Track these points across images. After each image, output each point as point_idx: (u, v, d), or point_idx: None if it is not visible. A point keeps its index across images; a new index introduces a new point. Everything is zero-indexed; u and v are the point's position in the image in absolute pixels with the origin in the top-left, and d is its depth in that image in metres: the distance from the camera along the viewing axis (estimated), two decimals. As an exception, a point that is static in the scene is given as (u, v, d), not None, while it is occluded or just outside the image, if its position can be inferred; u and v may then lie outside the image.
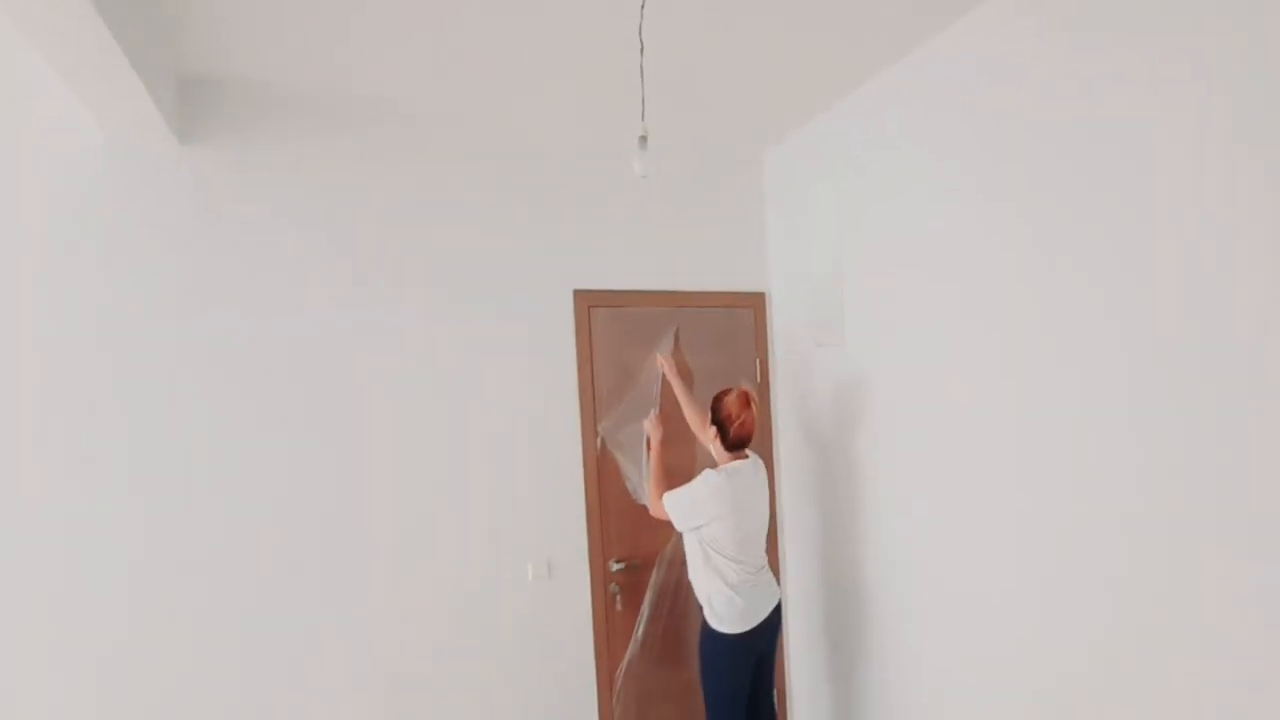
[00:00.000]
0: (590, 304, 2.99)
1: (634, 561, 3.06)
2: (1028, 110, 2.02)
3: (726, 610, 2.57)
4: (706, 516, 2.53)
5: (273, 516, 2.55)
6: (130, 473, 2.39)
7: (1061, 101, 1.91)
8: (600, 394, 3.03)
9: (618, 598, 3.07)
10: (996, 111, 2.12)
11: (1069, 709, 1.98)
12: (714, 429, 2.62)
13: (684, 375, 3.09)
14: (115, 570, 2.38)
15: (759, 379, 3.33)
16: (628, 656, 3.06)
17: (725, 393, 2.65)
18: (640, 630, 3.06)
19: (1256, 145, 1.52)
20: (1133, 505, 1.79)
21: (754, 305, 3.31)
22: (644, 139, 1.90)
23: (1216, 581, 1.63)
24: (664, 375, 3.01)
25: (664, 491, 2.65)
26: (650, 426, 2.87)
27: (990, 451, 2.20)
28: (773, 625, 2.67)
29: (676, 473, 2.77)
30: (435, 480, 2.77)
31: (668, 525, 2.67)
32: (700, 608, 2.64)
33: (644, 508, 2.89)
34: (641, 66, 1.83)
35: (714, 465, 2.67)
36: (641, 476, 2.98)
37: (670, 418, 2.94)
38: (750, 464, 2.65)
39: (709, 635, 2.61)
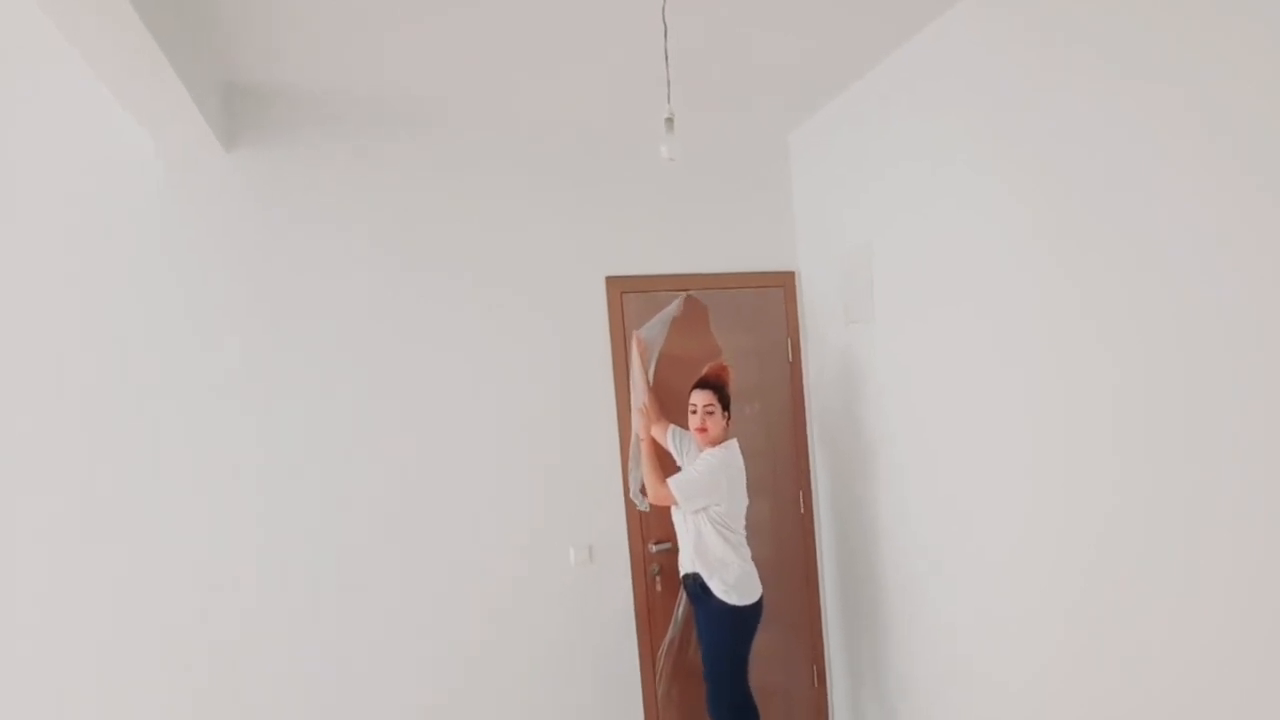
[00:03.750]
0: (622, 290, 3.04)
1: (673, 543, 3.10)
2: (1047, 83, 2.00)
3: (741, 581, 2.61)
4: (722, 492, 2.57)
5: (325, 507, 2.65)
6: (185, 469, 2.50)
7: (1081, 74, 1.90)
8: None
9: (658, 579, 3.12)
10: (1013, 85, 2.11)
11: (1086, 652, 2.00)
12: (727, 414, 2.65)
13: (712, 352, 3.12)
14: (178, 559, 2.50)
15: (790, 357, 3.35)
16: (669, 636, 3.11)
17: (722, 369, 2.71)
18: (680, 610, 3.10)
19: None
20: (1143, 483, 1.79)
21: (784, 284, 3.33)
22: (670, 121, 1.90)
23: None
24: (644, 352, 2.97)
25: (663, 478, 2.64)
26: (643, 428, 2.84)
27: (1012, 423, 2.20)
28: (764, 599, 2.71)
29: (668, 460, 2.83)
30: (477, 469, 2.84)
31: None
32: (704, 591, 2.64)
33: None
34: (666, 49, 1.86)
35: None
36: (633, 468, 3.00)
37: (659, 403, 2.96)
38: (736, 443, 2.70)
39: (722, 612, 2.61)
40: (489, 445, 2.86)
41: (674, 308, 3.07)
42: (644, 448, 2.78)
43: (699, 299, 3.19)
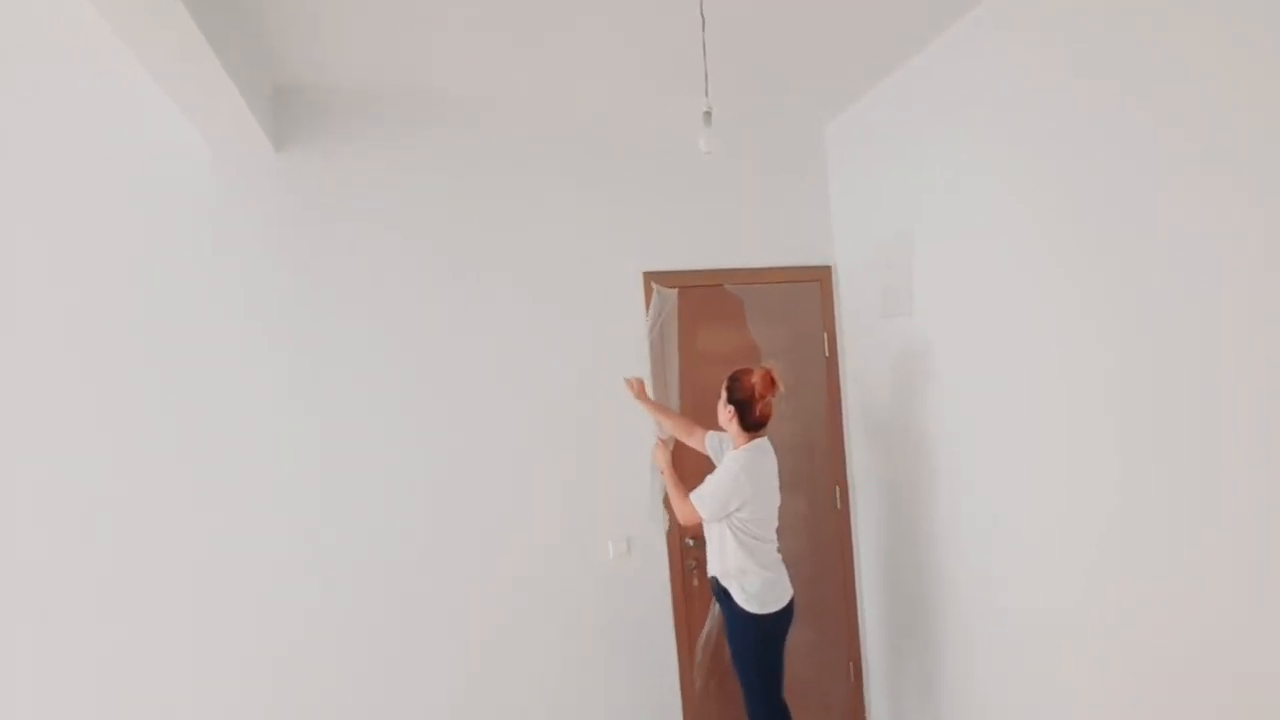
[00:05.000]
0: (660, 285, 3.05)
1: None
2: (1086, 71, 1.98)
3: (763, 591, 2.54)
4: (741, 497, 2.48)
5: (368, 499, 2.71)
6: (234, 461, 2.57)
7: (1119, 58, 1.87)
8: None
9: (694, 573, 3.12)
10: (1059, 72, 2.08)
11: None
12: (731, 409, 2.54)
13: (751, 352, 3.12)
14: (228, 546, 2.57)
15: (827, 352, 3.33)
16: (706, 630, 3.11)
17: (746, 372, 2.55)
18: (716, 605, 3.11)
19: None
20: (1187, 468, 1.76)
21: (820, 279, 3.32)
22: (708, 114, 1.90)
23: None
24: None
25: (685, 495, 2.58)
26: (663, 459, 2.80)
27: (1054, 415, 2.17)
28: (794, 602, 2.64)
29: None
30: (517, 463, 2.88)
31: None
32: (725, 595, 2.59)
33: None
34: (704, 41, 1.87)
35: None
36: (655, 496, 3.00)
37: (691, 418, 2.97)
38: (767, 442, 2.60)
39: (744, 619, 2.55)
40: (528, 439, 2.90)
41: (659, 304, 3.00)
42: (665, 476, 2.73)
43: (735, 293, 3.19)
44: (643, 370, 3.02)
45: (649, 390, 3.00)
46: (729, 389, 2.58)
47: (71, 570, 2.42)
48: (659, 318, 3.01)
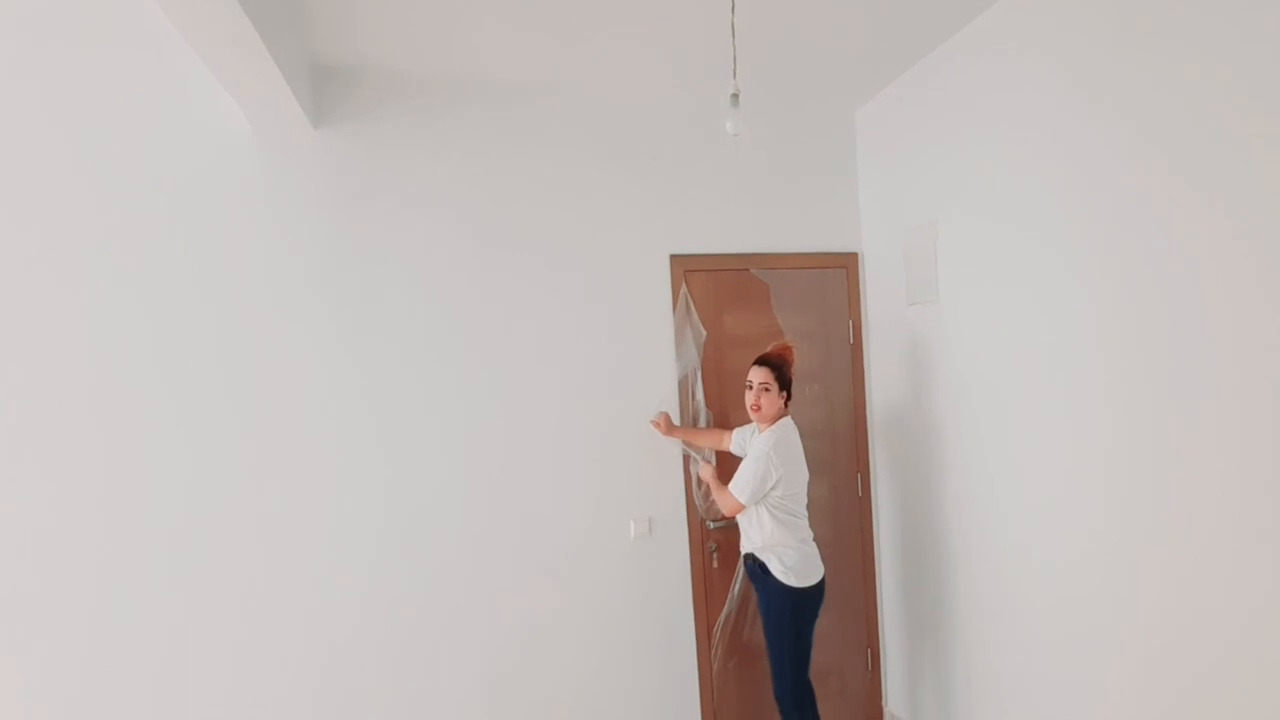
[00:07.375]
0: (686, 268, 3.07)
1: (730, 520, 3.13)
2: (1119, 60, 1.94)
3: (800, 564, 2.61)
4: (776, 474, 2.56)
5: (397, 478, 2.77)
6: (266, 440, 2.63)
7: (1153, 50, 1.84)
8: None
9: (715, 555, 3.15)
10: (1083, 61, 2.05)
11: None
12: (784, 394, 2.65)
13: (776, 337, 3.14)
14: (256, 528, 2.64)
15: (852, 339, 3.33)
16: (725, 612, 3.15)
17: (786, 349, 2.71)
18: (736, 587, 3.14)
19: None
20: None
21: (846, 265, 3.31)
22: (736, 96, 1.90)
23: None
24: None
25: (726, 488, 2.65)
26: (706, 473, 2.85)
27: (1081, 411, 2.16)
28: (825, 580, 2.70)
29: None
30: (543, 443, 2.93)
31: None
32: (763, 572, 2.65)
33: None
34: (733, 23, 1.88)
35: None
36: (705, 500, 3.08)
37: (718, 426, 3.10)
38: (791, 421, 2.68)
39: (782, 593, 2.62)
40: (555, 420, 2.94)
41: (693, 346, 3.11)
42: (711, 485, 2.79)
43: (760, 278, 3.20)
44: (665, 349, 3.05)
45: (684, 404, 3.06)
46: (782, 373, 2.64)
47: (114, 553, 2.49)
48: (689, 353, 3.09)
